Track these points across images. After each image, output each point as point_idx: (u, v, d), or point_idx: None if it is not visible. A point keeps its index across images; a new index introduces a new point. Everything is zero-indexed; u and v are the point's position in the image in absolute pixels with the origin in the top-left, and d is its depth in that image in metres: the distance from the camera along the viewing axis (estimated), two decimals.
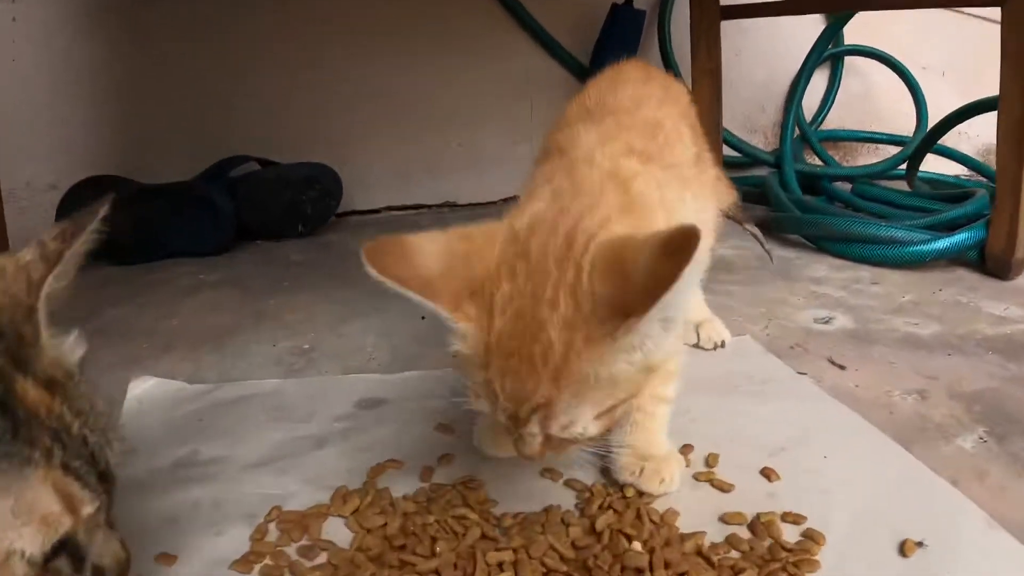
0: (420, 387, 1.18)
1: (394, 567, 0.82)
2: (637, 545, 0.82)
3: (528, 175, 0.95)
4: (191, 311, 1.54)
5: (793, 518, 0.87)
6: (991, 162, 1.91)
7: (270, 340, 1.37)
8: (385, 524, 0.88)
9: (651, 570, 0.79)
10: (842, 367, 1.22)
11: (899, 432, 1.02)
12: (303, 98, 2.15)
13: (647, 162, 0.87)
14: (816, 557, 0.82)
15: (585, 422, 0.73)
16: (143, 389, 1.21)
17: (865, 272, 1.66)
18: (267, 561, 0.85)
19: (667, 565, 0.80)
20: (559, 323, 0.69)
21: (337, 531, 0.89)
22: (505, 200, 2.24)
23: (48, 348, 0.57)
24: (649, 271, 0.64)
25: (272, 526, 0.90)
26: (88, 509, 0.54)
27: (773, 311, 1.47)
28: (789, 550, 0.82)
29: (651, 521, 0.87)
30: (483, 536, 0.85)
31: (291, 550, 0.87)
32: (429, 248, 0.73)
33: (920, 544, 0.81)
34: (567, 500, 0.92)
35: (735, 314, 1.42)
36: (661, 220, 0.80)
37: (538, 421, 0.73)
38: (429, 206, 2.27)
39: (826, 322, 1.40)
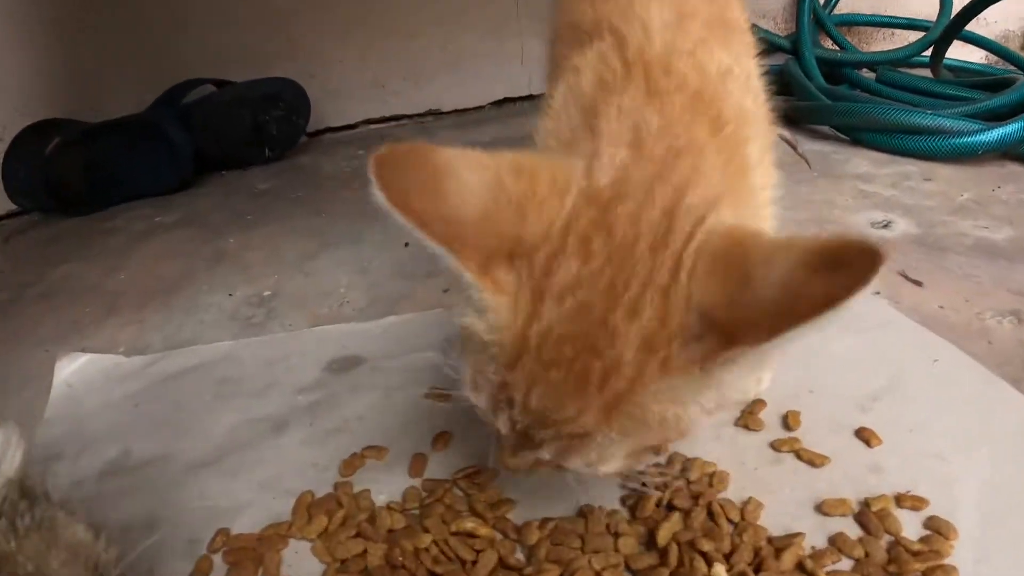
0: (405, 337, 0.91)
1: None
2: (720, 570, 0.56)
3: (553, 63, 0.70)
4: (141, 260, 1.28)
5: (911, 502, 0.64)
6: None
7: (225, 288, 1.11)
8: (364, 552, 0.63)
9: None
10: (918, 283, 0.99)
11: (1004, 367, 0.79)
12: (261, 3, 1.82)
13: (724, 40, 0.63)
14: (950, 561, 0.59)
15: (614, 464, 0.53)
16: (73, 368, 0.95)
17: (912, 167, 1.41)
18: None
19: None
20: (637, 337, 0.47)
21: (302, 562, 0.65)
22: (495, 104, 2.00)
23: None
24: (787, 287, 0.43)
25: (218, 558, 0.66)
26: None
27: (822, 215, 1.21)
28: (915, 553, 0.59)
29: (728, 521, 0.61)
30: (501, 563, 0.60)
31: None
32: (467, 176, 0.49)
33: None
34: (610, 494, 0.67)
35: (779, 220, 1.14)
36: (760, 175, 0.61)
37: (555, 450, 0.51)
38: (411, 116, 1.96)
39: (885, 226, 1.18)
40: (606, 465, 0.52)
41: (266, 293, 1.08)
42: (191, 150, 1.67)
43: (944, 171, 1.37)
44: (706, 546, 0.59)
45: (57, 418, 0.86)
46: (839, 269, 0.40)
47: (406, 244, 1.15)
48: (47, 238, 1.46)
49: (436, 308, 0.97)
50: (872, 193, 1.31)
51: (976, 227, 1.14)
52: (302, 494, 0.69)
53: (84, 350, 0.96)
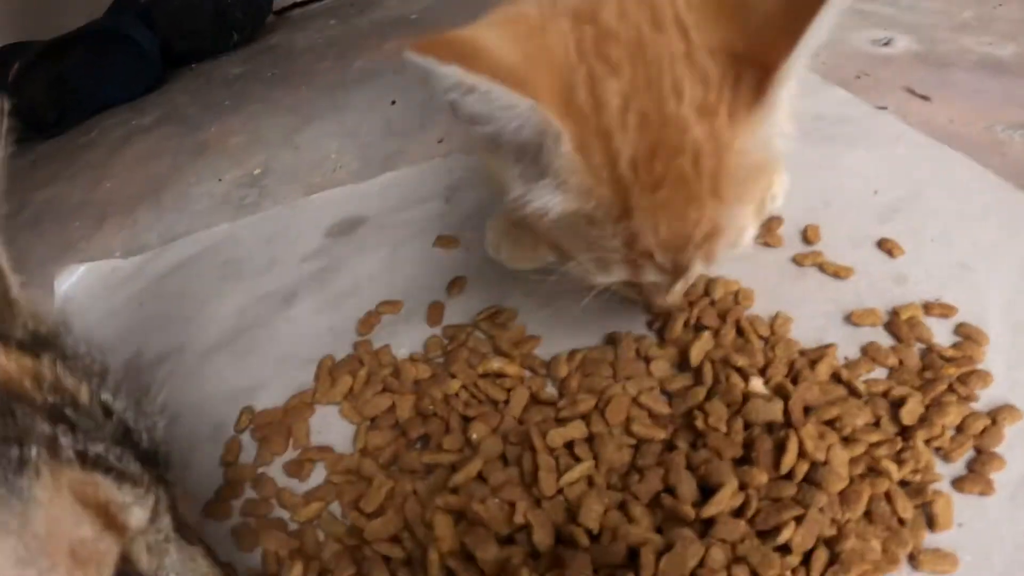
0: (405, 192, 0.83)
1: (417, 472, 0.52)
2: (757, 383, 0.51)
3: None
4: (124, 167, 1.19)
5: (940, 310, 0.60)
6: None
7: (214, 175, 1.03)
8: (393, 406, 0.57)
9: (789, 423, 0.51)
10: (925, 97, 0.89)
11: (1020, 179, 0.71)
12: None
13: None
14: (983, 367, 0.55)
15: (751, 226, 0.50)
16: (72, 281, 0.88)
17: None
18: (248, 495, 0.57)
19: (807, 409, 0.52)
20: (695, 111, 0.44)
21: (331, 426, 0.60)
22: None
23: (20, 300, 0.41)
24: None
25: (246, 437, 0.61)
26: (139, 515, 0.34)
27: None
28: (948, 359, 0.55)
29: (759, 337, 0.56)
30: (533, 399, 0.55)
31: (276, 470, 0.57)
32: (496, 41, 0.44)
33: None
34: (636, 321, 0.61)
35: None
36: None
37: (703, 255, 0.49)
38: None
39: (886, 44, 1.06)
40: (749, 232, 0.50)
41: (256, 172, 0.99)
42: (157, 49, 1.55)
43: None
44: (740, 361, 0.55)
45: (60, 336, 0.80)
46: None
47: (392, 102, 1.05)
48: (25, 165, 1.35)
49: (433, 157, 0.88)
50: (871, 12, 1.18)
51: (980, 43, 1.03)
52: (322, 359, 0.64)
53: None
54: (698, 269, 0.50)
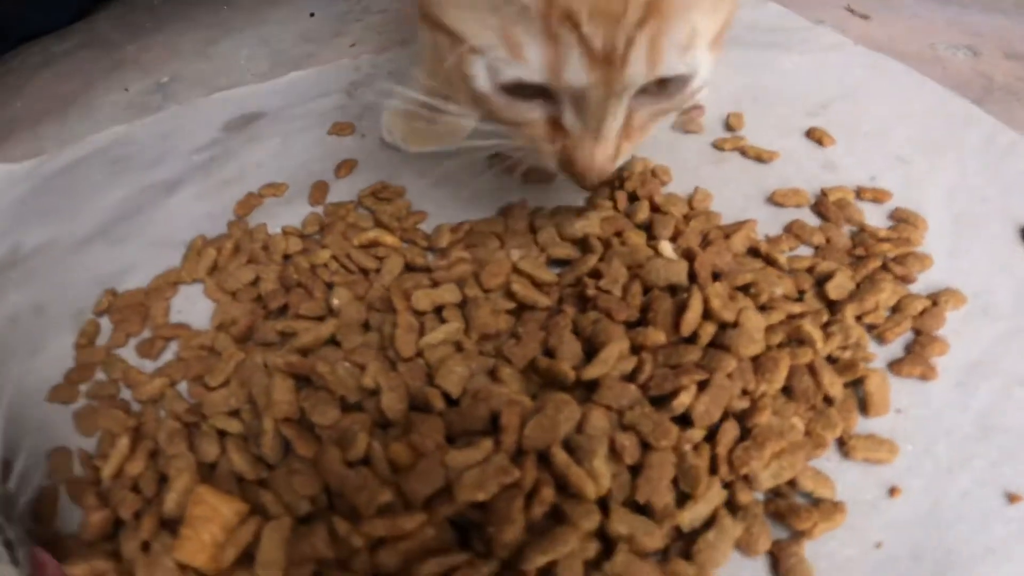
0: (308, 88, 0.76)
1: (271, 344, 0.46)
2: (666, 246, 0.45)
3: None
4: (38, 88, 1.10)
5: (872, 194, 0.54)
6: None
7: (121, 86, 0.94)
8: (256, 279, 0.50)
9: (695, 283, 0.44)
10: (865, 16, 0.84)
11: (959, 90, 0.66)
12: None
13: None
14: (921, 248, 0.49)
15: (704, 40, 0.39)
16: None
17: None
18: (97, 376, 0.50)
19: (717, 276, 0.45)
20: None
21: (193, 306, 0.53)
22: None
23: None
24: None
25: (104, 320, 0.54)
26: None
27: None
28: (883, 239, 0.49)
29: (674, 214, 0.50)
30: (407, 268, 0.48)
31: (128, 351, 0.51)
32: None
33: None
34: (536, 195, 0.54)
35: None
36: None
37: (645, 50, 0.37)
38: None
39: None
40: (702, 44, 0.38)
41: (164, 79, 0.92)
42: None
43: None
44: (653, 229, 0.48)
45: None
46: None
47: (311, 14, 0.98)
48: None
49: (342, 59, 0.81)
50: None
51: None
52: (193, 239, 0.57)
53: None
54: (639, 73, 0.37)
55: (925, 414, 0.41)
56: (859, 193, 0.54)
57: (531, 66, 0.37)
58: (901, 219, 0.51)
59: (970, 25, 0.82)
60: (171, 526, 0.38)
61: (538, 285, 0.46)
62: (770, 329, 0.42)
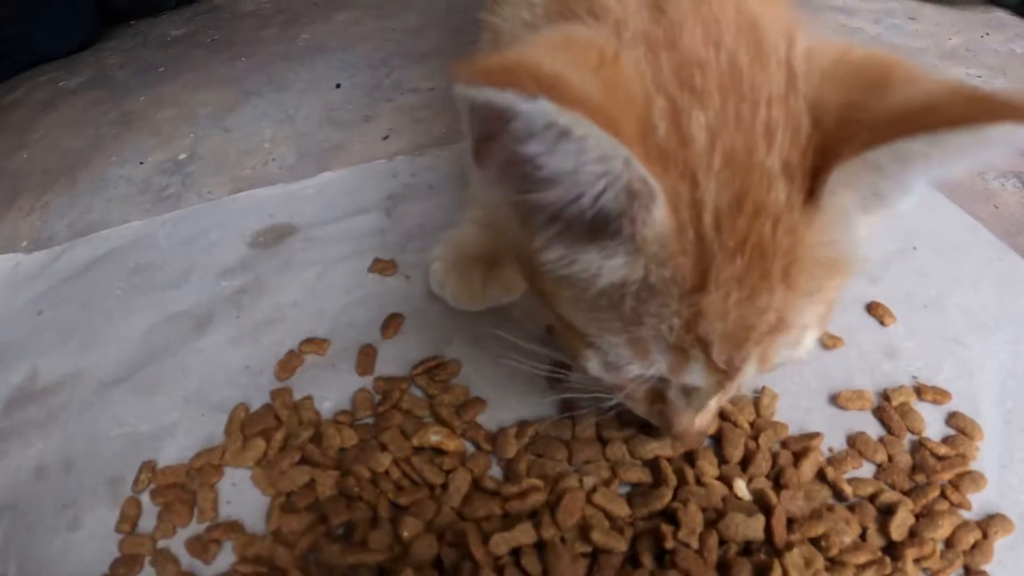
0: (342, 198, 0.70)
1: (337, 569, 0.41)
2: (741, 486, 0.42)
3: None
4: (45, 134, 1.02)
5: (933, 395, 0.51)
6: None
7: (136, 156, 0.87)
8: (312, 482, 0.45)
9: (770, 540, 0.42)
10: None
11: (1015, 237, 0.63)
12: None
13: None
14: (976, 466, 0.48)
15: (812, 332, 0.38)
16: None
17: (894, 3, 1.18)
18: (145, 573, 0.45)
19: (790, 522, 0.43)
20: (781, 165, 0.33)
21: (242, 494, 0.48)
22: None
23: None
24: (926, 100, 0.29)
25: (146, 498, 0.49)
26: None
27: None
28: (940, 457, 0.47)
29: (744, 424, 0.47)
30: (475, 487, 0.43)
31: (178, 544, 0.46)
32: (570, 70, 0.29)
33: None
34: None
35: None
36: None
37: (757, 358, 0.36)
38: None
39: None
40: (806, 338, 0.37)
41: (181, 157, 0.84)
42: (93, 2, 1.35)
43: (928, 11, 1.14)
44: (723, 447, 0.45)
45: None
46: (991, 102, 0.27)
47: (337, 85, 0.90)
48: None
49: (377, 160, 0.74)
50: (857, 29, 1.08)
51: (969, 76, 0.94)
52: (234, 409, 0.52)
53: None
54: (749, 374, 0.37)
55: None
56: (919, 392, 0.51)
57: (654, 369, 0.36)
58: (959, 429, 0.49)
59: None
60: None
61: (611, 519, 0.42)
62: None
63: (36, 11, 1.28)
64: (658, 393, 0.40)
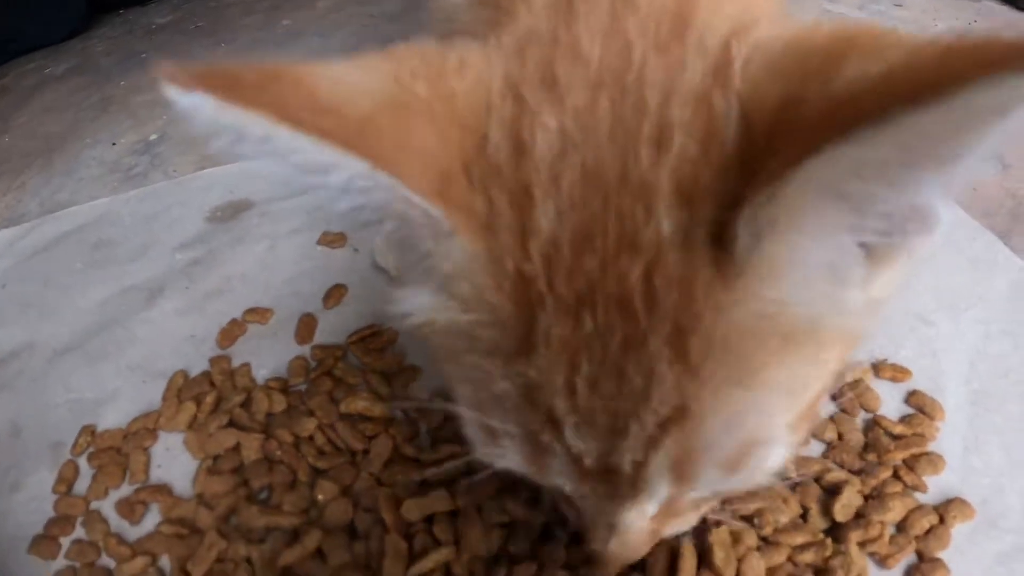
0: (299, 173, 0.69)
1: (255, 532, 0.41)
2: None
3: None
4: (28, 118, 1.03)
5: (891, 372, 0.49)
6: None
7: (110, 138, 0.87)
8: (237, 445, 0.45)
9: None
10: None
11: (990, 218, 0.61)
12: None
13: None
14: (935, 447, 0.45)
15: (780, 431, 0.26)
16: None
17: None
18: (77, 534, 0.46)
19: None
20: (675, 186, 0.23)
21: (174, 459, 0.48)
22: None
23: None
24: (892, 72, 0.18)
25: (83, 461, 0.49)
26: None
27: None
28: (896, 436, 0.44)
29: None
30: (397, 454, 0.43)
31: (109, 506, 0.46)
32: (358, 82, 0.25)
33: None
34: None
35: None
36: None
37: (667, 466, 0.26)
38: None
39: None
40: (761, 453, 0.26)
41: (152, 137, 0.85)
42: None
43: None
44: None
45: None
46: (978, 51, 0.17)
47: None
48: None
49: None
50: (839, 15, 1.05)
51: None
52: (173, 375, 0.52)
53: None
54: (659, 492, 0.27)
55: None
56: (877, 370, 0.48)
57: (507, 459, 0.28)
58: (918, 407, 0.46)
59: None
60: None
61: (530, 490, 0.41)
62: (770, 572, 0.38)
63: (25, 2, 1.29)
64: (567, 497, 0.30)
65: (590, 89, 0.24)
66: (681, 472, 0.26)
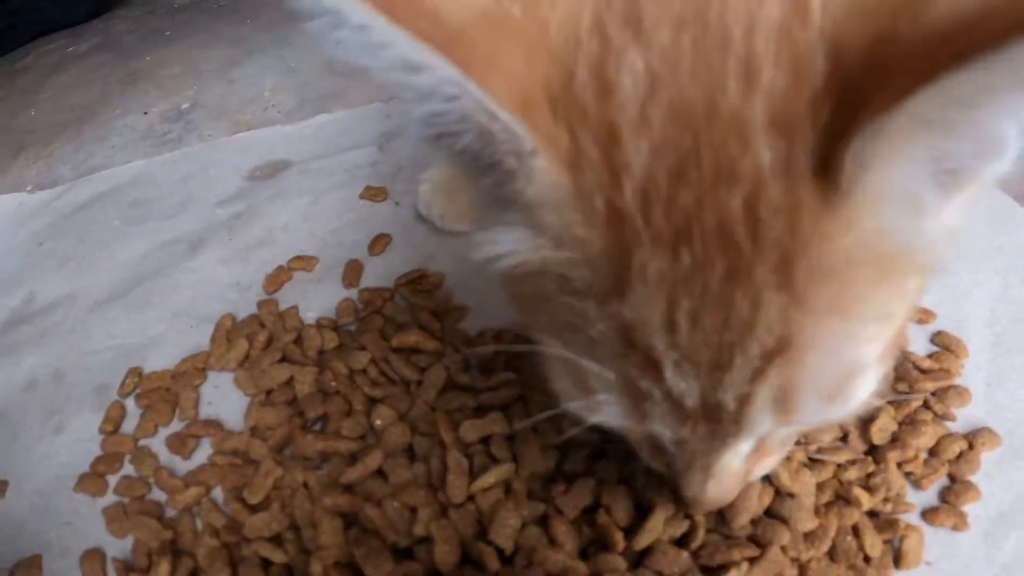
0: (337, 136, 0.72)
1: (311, 460, 0.42)
2: None
3: None
4: (53, 93, 1.05)
5: (918, 314, 0.52)
6: None
7: (140, 108, 0.89)
8: (291, 379, 0.46)
9: None
10: None
11: (1005, 185, 0.61)
12: None
13: None
14: (960, 382, 0.47)
15: (872, 360, 0.28)
16: None
17: None
18: (125, 471, 0.47)
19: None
20: (769, 116, 0.24)
21: (224, 397, 0.50)
22: None
23: None
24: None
25: (130, 402, 0.51)
26: None
27: None
28: (924, 371, 0.47)
29: None
30: (450, 382, 0.45)
31: (158, 443, 0.47)
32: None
33: None
34: None
35: None
36: None
37: (769, 401, 0.27)
38: None
39: None
40: (857, 380, 0.28)
41: (184, 106, 0.87)
42: None
43: None
44: None
45: None
46: None
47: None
48: None
49: (374, 101, 0.76)
50: None
51: None
52: (221, 318, 0.53)
53: None
54: (763, 426, 0.28)
55: (952, 567, 0.40)
56: None
57: (603, 412, 0.29)
58: (943, 345, 0.50)
59: None
60: None
61: None
62: (820, 487, 0.41)
63: None
64: (657, 444, 0.32)
65: (674, 27, 0.25)
66: (785, 405, 0.27)
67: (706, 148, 0.24)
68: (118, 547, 0.44)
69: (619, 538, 0.37)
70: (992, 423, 0.46)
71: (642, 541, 0.37)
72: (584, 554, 0.38)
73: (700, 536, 0.38)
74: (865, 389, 0.28)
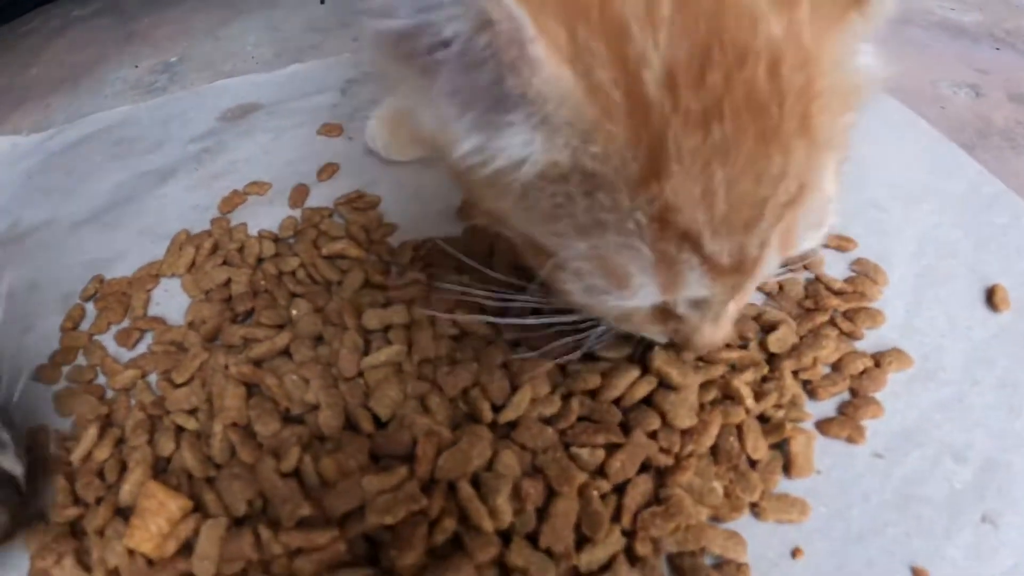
0: (305, 83, 0.79)
1: (234, 347, 0.49)
2: None
3: None
4: (54, 53, 1.14)
5: (837, 242, 0.55)
6: None
7: (132, 62, 0.98)
8: (228, 280, 0.53)
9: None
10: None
11: (956, 134, 0.67)
12: None
13: None
14: (876, 305, 0.50)
15: (832, 192, 0.33)
16: None
17: None
18: (77, 361, 0.54)
19: None
20: None
21: (171, 299, 0.56)
22: None
23: None
24: None
25: (90, 305, 0.58)
26: None
27: None
28: (836, 292, 0.50)
29: None
30: (367, 283, 0.51)
31: (108, 338, 0.54)
32: None
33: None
34: None
35: None
36: None
37: (777, 244, 0.32)
38: None
39: None
40: (829, 207, 0.33)
41: (172, 59, 0.95)
42: None
43: None
44: None
45: None
46: None
47: (321, 1, 1.00)
48: None
49: (343, 52, 0.84)
50: None
51: (942, 7, 0.97)
52: (177, 233, 0.61)
53: None
54: (771, 265, 0.32)
55: (845, 477, 0.42)
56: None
57: (641, 295, 0.32)
58: (861, 271, 0.52)
59: (978, 62, 0.82)
60: (125, 514, 0.42)
61: (483, 309, 0.47)
62: (705, 385, 0.43)
63: None
64: (666, 312, 0.37)
65: None
66: (787, 241, 0.31)
67: (721, 32, 0.27)
68: (64, 426, 0.51)
69: (486, 409, 0.42)
70: (907, 346, 0.47)
71: (508, 414, 0.42)
72: (457, 428, 0.43)
73: (571, 419, 0.42)
74: (830, 219, 0.33)
